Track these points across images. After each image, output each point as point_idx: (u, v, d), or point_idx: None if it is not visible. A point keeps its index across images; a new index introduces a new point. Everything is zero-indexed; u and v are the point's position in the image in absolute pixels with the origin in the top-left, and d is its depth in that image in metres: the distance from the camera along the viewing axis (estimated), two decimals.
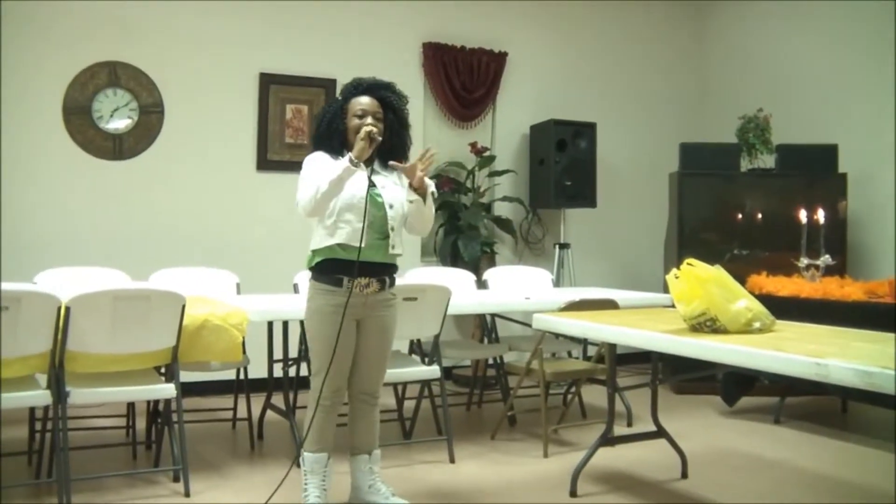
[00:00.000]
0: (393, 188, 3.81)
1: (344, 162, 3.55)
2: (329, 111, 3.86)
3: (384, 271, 3.81)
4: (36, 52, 6.14)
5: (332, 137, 3.78)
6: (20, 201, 6.08)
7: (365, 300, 3.75)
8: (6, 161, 6.03)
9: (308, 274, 3.84)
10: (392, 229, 3.75)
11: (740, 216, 7.19)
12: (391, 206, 3.75)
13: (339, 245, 3.65)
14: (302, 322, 5.22)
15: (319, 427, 3.82)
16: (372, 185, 3.71)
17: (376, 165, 3.77)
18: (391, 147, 3.80)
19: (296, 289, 5.46)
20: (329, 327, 3.68)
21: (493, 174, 7.75)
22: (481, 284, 6.26)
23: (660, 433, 4.63)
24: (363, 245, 3.60)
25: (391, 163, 3.79)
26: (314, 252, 3.75)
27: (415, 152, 3.83)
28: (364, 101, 3.76)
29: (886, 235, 6.93)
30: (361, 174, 3.64)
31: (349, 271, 3.64)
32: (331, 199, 3.60)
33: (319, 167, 3.66)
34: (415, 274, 5.92)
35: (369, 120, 3.69)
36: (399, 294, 4.60)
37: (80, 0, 6.23)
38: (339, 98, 3.88)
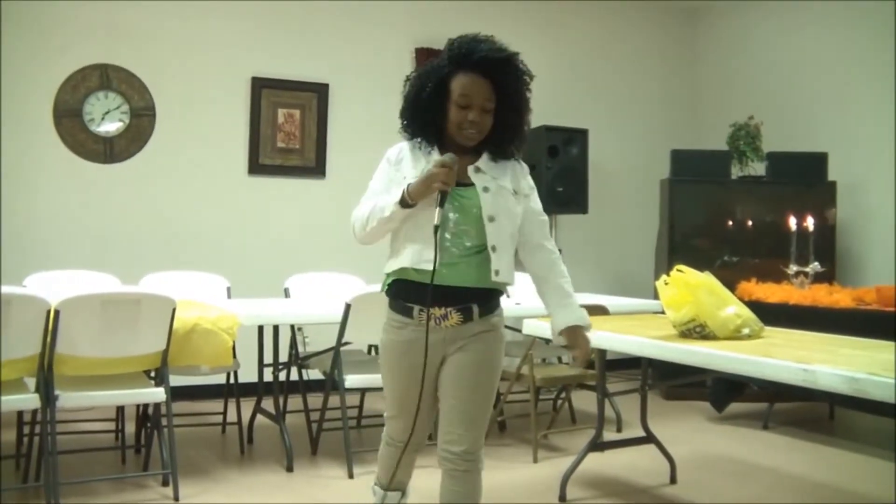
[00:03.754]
0: (499, 192, 2.84)
1: (396, 198, 2.71)
2: (424, 86, 2.83)
3: (473, 297, 2.84)
4: (27, 54, 6.14)
5: (426, 124, 2.85)
6: (10, 204, 6.06)
7: (444, 335, 2.83)
8: None
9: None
10: (493, 249, 2.79)
11: (731, 223, 7.21)
12: (491, 219, 2.78)
13: (413, 269, 2.78)
14: (292, 326, 5.26)
15: (386, 464, 3.17)
16: (467, 183, 2.82)
17: (483, 161, 2.87)
18: (500, 138, 2.87)
19: (286, 293, 5.46)
20: (399, 370, 2.90)
21: None
22: None
23: (649, 439, 4.65)
24: (437, 265, 2.70)
25: (570, 339, 3.03)
26: (387, 274, 2.90)
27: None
28: (470, 82, 2.77)
29: (875, 243, 6.96)
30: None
31: (422, 297, 2.77)
32: (381, 236, 2.84)
33: (379, 185, 2.88)
34: None
35: (472, 116, 2.76)
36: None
37: (72, 2, 6.22)
38: (440, 65, 2.84)
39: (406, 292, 2.82)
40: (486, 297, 2.89)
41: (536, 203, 3.00)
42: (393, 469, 3.11)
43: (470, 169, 2.82)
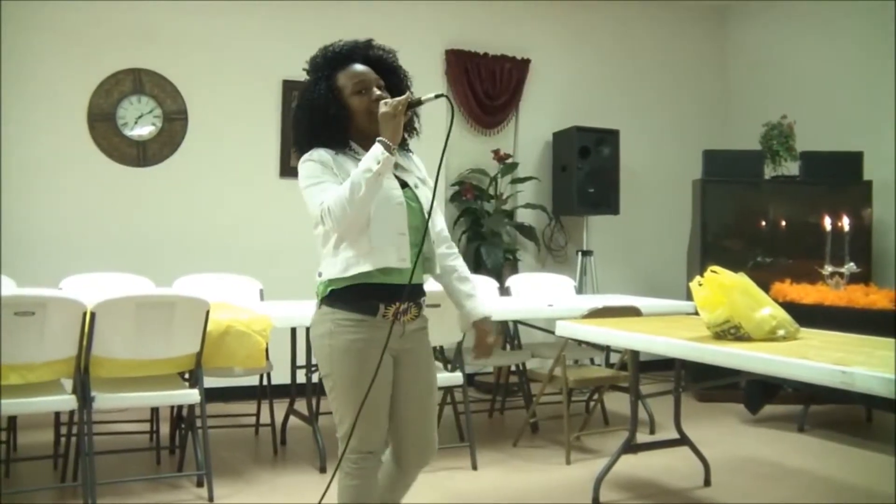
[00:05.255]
0: (423, 187, 2.92)
1: (376, 151, 2.61)
2: (315, 97, 2.80)
3: (420, 292, 2.92)
4: (61, 59, 6.20)
5: (333, 128, 2.80)
6: (46, 207, 6.14)
7: (403, 330, 2.84)
8: (32, 167, 6.10)
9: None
10: (434, 242, 2.93)
11: (764, 223, 7.16)
12: (429, 214, 2.82)
13: (379, 270, 2.73)
14: None
15: (356, 496, 2.82)
16: (402, 182, 2.85)
17: (398, 155, 2.80)
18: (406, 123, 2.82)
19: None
20: (362, 372, 2.71)
21: (515, 181, 7.75)
22: (504, 291, 6.25)
23: (683, 441, 4.62)
24: (408, 261, 2.77)
25: (480, 331, 3.04)
26: (335, 280, 2.79)
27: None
28: (357, 70, 2.82)
29: None
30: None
31: (385, 296, 2.77)
32: (368, 206, 2.65)
33: (326, 176, 2.76)
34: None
35: (378, 93, 2.79)
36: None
37: (105, 8, 6.28)
38: (318, 75, 2.85)
39: (367, 293, 2.76)
40: (423, 292, 2.96)
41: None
42: (364, 497, 2.82)
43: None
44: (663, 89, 8.62)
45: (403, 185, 2.84)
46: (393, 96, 2.75)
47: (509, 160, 7.66)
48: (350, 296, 2.77)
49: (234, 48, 6.74)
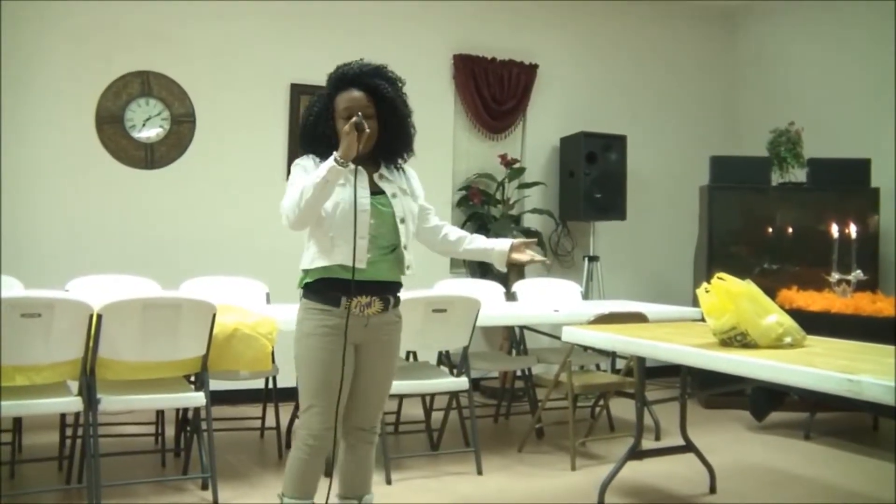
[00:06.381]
0: (403, 196, 3.29)
1: (328, 163, 2.99)
2: (314, 111, 3.28)
3: (389, 290, 3.27)
4: (70, 60, 6.22)
5: (319, 142, 3.22)
6: (53, 209, 6.15)
7: (366, 322, 3.21)
8: (40, 168, 6.12)
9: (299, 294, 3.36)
10: (405, 247, 3.24)
11: (771, 230, 7.15)
12: (402, 221, 3.23)
13: (339, 265, 3.13)
14: None
15: (302, 471, 3.22)
16: (379, 191, 3.23)
17: (382, 169, 3.27)
18: (390, 144, 3.26)
19: None
20: (323, 352, 3.16)
21: (522, 186, 7.75)
22: (510, 296, 6.26)
23: (688, 447, 4.61)
24: (365, 262, 3.12)
25: (520, 241, 3.43)
26: (307, 272, 3.26)
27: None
28: (350, 96, 3.17)
29: None
30: (361, 179, 3.16)
31: (347, 290, 3.12)
32: (317, 208, 3.08)
33: (306, 172, 3.19)
34: (444, 285, 5.93)
35: (353, 119, 3.04)
36: (428, 305, 4.61)
37: (114, 11, 6.30)
38: (325, 94, 3.28)
39: (331, 286, 3.16)
40: (397, 290, 3.33)
41: (424, 200, 3.47)
42: (304, 472, 3.22)
43: (375, 177, 3.25)
44: (671, 95, 8.61)
45: (381, 193, 3.23)
46: (386, 123, 3.19)
47: (516, 165, 7.66)
48: (317, 287, 3.21)
49: (242, 51, 6.75)
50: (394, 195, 3.24)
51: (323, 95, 3.26)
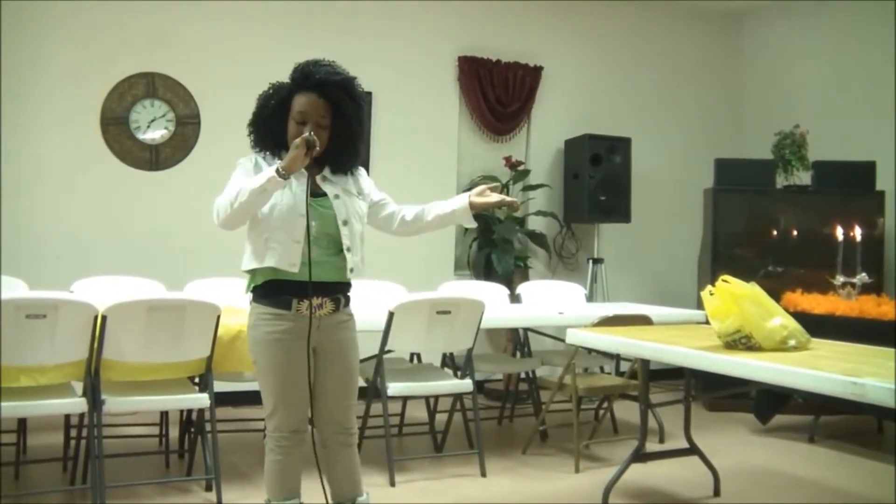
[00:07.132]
0: (348, 199, 3.24)
1: (270, 172, 2.96)
2: (270, 104, 3.22)
3: (338, 290, 3.24)
4: (75, 62, 6.23)
5: (267, 137, 3.22)
6: (58, 210, 6.17)
7: (318, 323, 3.17)
8: (45, 170, 6.13)
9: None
10: (348, 249, 3.18)
11: (775, 233, 7.14)
12: (345, 223, 3.18)
13: (271, 268, 3.12)
14: None
15: (281, 471, 3.22)
16: (320, 193, 3.18)
17: (326, 171, 3.23)
18: (335, 157, 3.21)
19: None
20: (279, 358, 3.13)
21: (527, 188, 7.74)
22: (514, 298, 6.25)
23: (692, 450, 4.61)
24: (298, 266, 3.09)
25: (481, 187, 3.34)
26: (251, 273, 3.23)
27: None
28: (307, 101, 3.10)
29: None
30: (301, 182, 3.11)
31: (298, 291, 3.10)
32: (250, 213, 3.08)
33: (241, 178, 3.17)
34: (448, 287, 5.92)
35: (304, 132, 3.00)
36: (432, 307, 4.60)
37: (119, 12, 6.31)
38: (284, 86, 3.22)
39: (280, 288, 3.13)
40: (347, 290, 3.29)
41: (380, 191, 3.45)
42: (282, 471, 3.21)
43: (318, 179, 3.20)
44: (675, 98, 8.60)
45: (323, 195, 3.18)
46: (338, 136, 3.13)
47: (521, 167, 7.66)
48: (266, 291, 3.17)
49: (247, 53, 6.75)
50: (336, 196, 3.20)
51: (282, 89, 3.21)
